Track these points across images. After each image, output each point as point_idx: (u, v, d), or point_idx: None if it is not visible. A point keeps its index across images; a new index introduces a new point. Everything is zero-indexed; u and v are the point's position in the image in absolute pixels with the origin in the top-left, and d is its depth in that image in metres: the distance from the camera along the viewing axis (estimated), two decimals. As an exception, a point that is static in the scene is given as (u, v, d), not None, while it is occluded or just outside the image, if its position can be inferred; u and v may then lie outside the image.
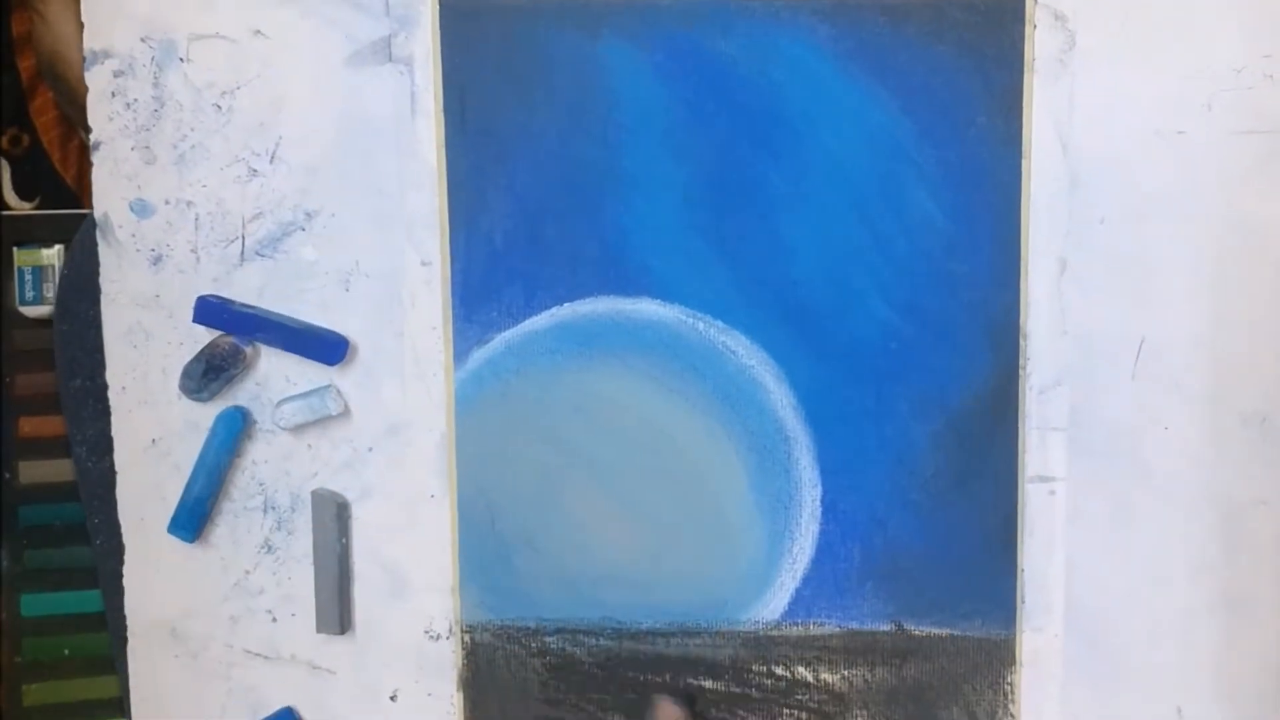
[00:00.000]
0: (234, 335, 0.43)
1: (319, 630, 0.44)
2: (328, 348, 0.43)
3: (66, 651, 0.73)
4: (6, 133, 0.86)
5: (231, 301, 0.43)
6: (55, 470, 0.82)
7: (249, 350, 0.44)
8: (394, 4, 0.43)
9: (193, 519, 0.44)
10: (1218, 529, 0.44)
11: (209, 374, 0.43)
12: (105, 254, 0.44)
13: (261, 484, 0.45)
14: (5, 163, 0.86)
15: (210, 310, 0.43)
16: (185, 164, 0.43)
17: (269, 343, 0.43)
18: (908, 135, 0.43)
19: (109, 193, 0.44)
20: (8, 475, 0.83)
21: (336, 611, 0.44)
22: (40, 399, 0.83)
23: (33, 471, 0.82)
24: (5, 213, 0.84)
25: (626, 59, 0.43)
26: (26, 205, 0.87)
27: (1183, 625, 0.45)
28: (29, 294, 0.85)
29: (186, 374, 0.43)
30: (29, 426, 0.83)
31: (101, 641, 0.79)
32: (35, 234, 0.84)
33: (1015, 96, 0.43)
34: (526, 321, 0.44)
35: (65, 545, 0.80)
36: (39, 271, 0.86)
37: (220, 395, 0.44)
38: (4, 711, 0.73)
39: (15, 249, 0.84)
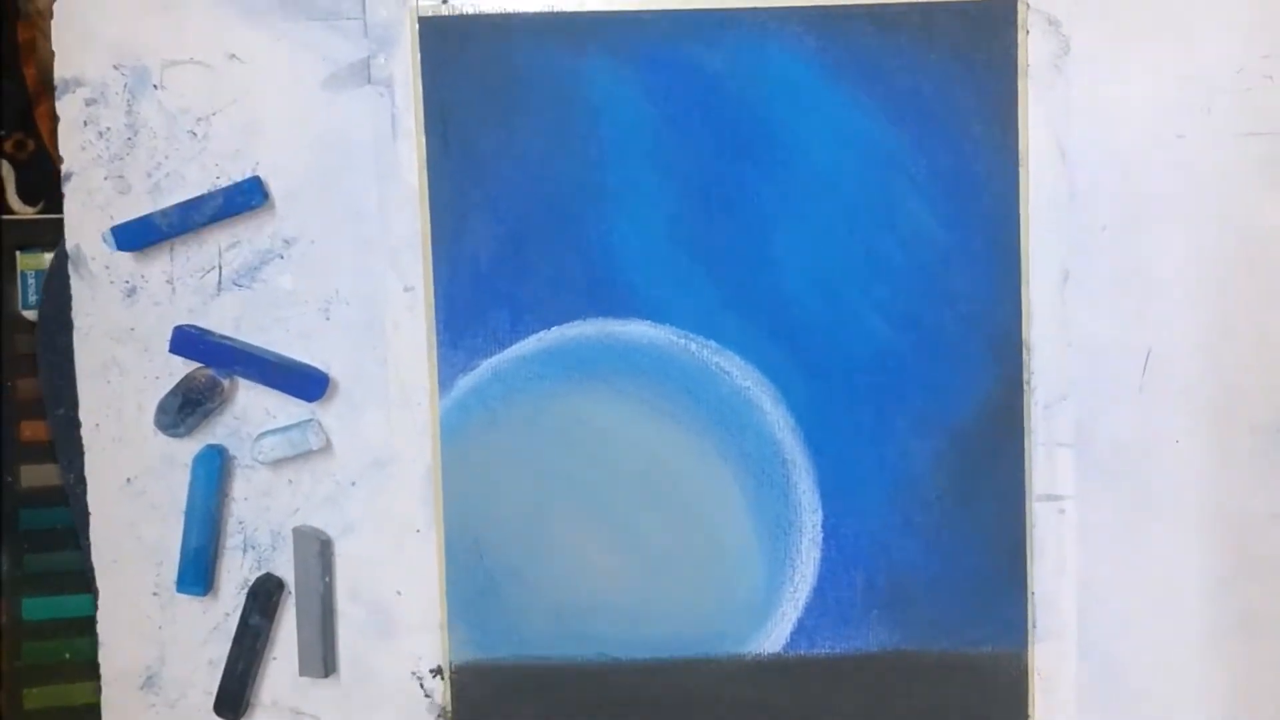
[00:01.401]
0: (212, 368, 0.41)
1: (301, 674, 0.43)
2: (308, 384, 0.42)
3: (67, 655, 0.71)
4: (11, 138, 0.85)
5: (209, 332, 0.42)
6: (56, 474, 0.81)
7: (226, 384, 0.42)
8: (372, 25, 0.42)
9: (199, 572, 0.43)
10: (1230, 544, 0.43)
11: (185, 408, 0.41)
12: (78, 287, 0.43)
13: (241, 522, 0.43)
14: (10, 167, 0.85)
15: (188, 341, 0.42)
16: (160, 192, 0.42)
17: (248, 376, 0.42)
18: (901, 146, 0.42)
19: (81, 224, 0.42)
20: (9, 479, 0.81)
21: (320, 653, 0.42)
22: (42, 403, 0.82)
23: (34, 475, 0.81)
24: (8, 217, 0.84)
25: (611, 74, 0.42)
26: (30, 210, 0.87)
27: (1197, 643, 0.43)
28: (31, 298, 0.85)
29: (162, 409, 0.42)
30: (30, 430, 0.82)
31: (102, 646, 0.78)
32: (38, 239, 0.84)
33: (1010, 104, 0.42)
34: (513, 347, 0.43)
35: (66, 549, 0.79)
36: (42, 276, 0.85)
37: (197, 430, 0.43)
38: (5, 715, 0.71)
39: (18, 253, 0.83)
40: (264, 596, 0.42)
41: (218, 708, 0.43)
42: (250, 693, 0.43)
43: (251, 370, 0.42)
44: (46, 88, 0.80)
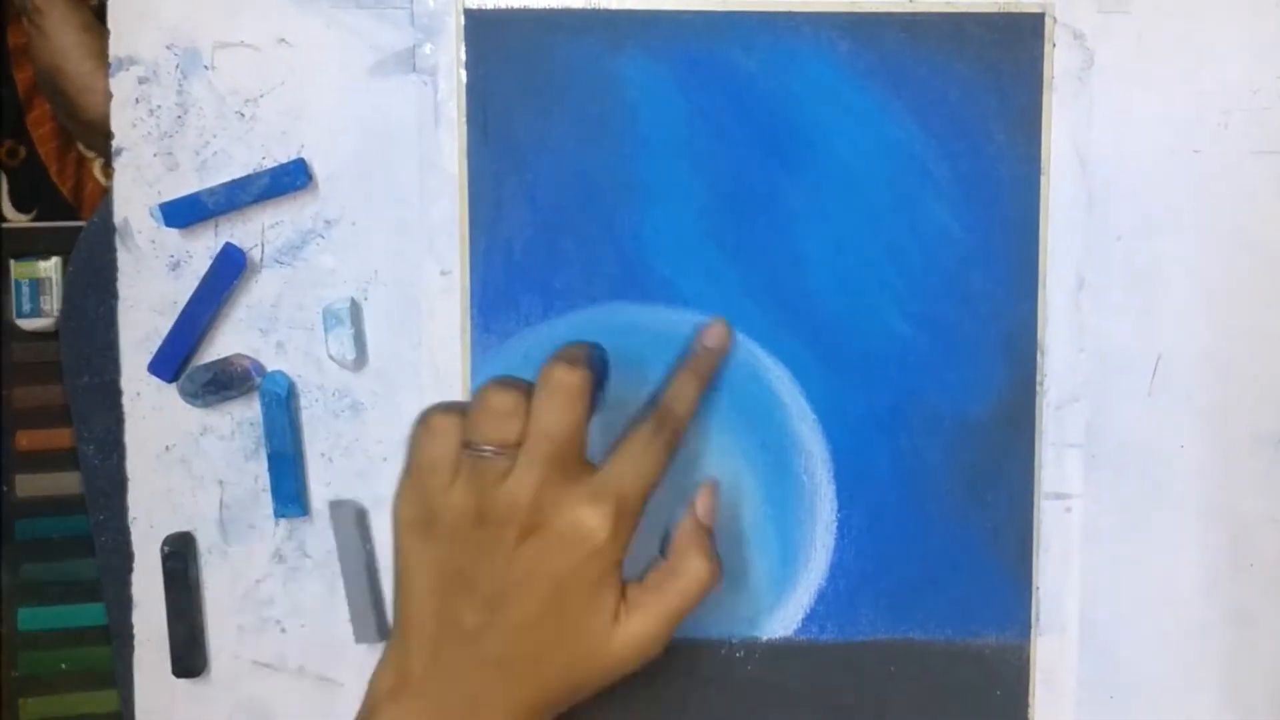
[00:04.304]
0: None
1: (358, 641, 0.44)
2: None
3: (64, 665, 0.72)
4: (4, 145, 0.86)
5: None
6: (53, 484, 0.82)
7: (257, 380, 0.44)
8: (419, 15, 0.43)
9: (294, 494, 0.44)
10: (1230, 546, 0.45)
11: (211, 385, 0.43)
12: (124, 259, 0.44)
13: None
14: (2, 175, 0.86)
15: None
16: (207, 170, 0.44)
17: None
18: (926, 150, 0.43)
19: (130, 198, 0.44)
20: (5, 489, 0.82)
21: (373, 619, 0.44)
22: (38, 412, 0.83)
23: (30, 485, 0.82)
24: (2, 225, 0.84)
25: (647, 71, 0.43)
26: (24, 218, 0.87)
27: (1196, 641, 0.45)
28: (26, 307, 0.85)
29: (190, 377, 0.43)
30: (26, 440, 0.82)
31: (99, 655, 0.78)
32: (32, 247, 0.84)
33: (1034, 114, 0.43)
34: (544, 331, 0.44)
35: (63, 559, 0.80)
36: (36, 284, 0.85)
37: (213, 405, 0.44)
38: (1, 725, 0.72)
39: (12, 262, 0.84)
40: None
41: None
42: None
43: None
44: (39, 93, 0.81)
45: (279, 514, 0.44)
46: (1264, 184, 0.44)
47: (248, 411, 0.44)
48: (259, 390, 0.44)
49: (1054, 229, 0.44)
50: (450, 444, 0.37)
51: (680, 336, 0.44)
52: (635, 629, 0.38)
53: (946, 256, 0.44)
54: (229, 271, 0.43)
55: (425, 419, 0.38)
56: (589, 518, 0.36)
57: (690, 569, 0.39)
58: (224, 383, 0.43)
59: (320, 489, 0.45)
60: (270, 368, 0.44)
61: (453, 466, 0.37)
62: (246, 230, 0.44)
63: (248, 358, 0.44)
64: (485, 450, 0.37)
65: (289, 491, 0.44)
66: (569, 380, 0.37)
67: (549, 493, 0.37)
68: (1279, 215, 0.44)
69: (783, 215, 0.44)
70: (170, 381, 0.44)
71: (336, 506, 0.44)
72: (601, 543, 0.36)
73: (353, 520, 0.44)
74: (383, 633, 0.44)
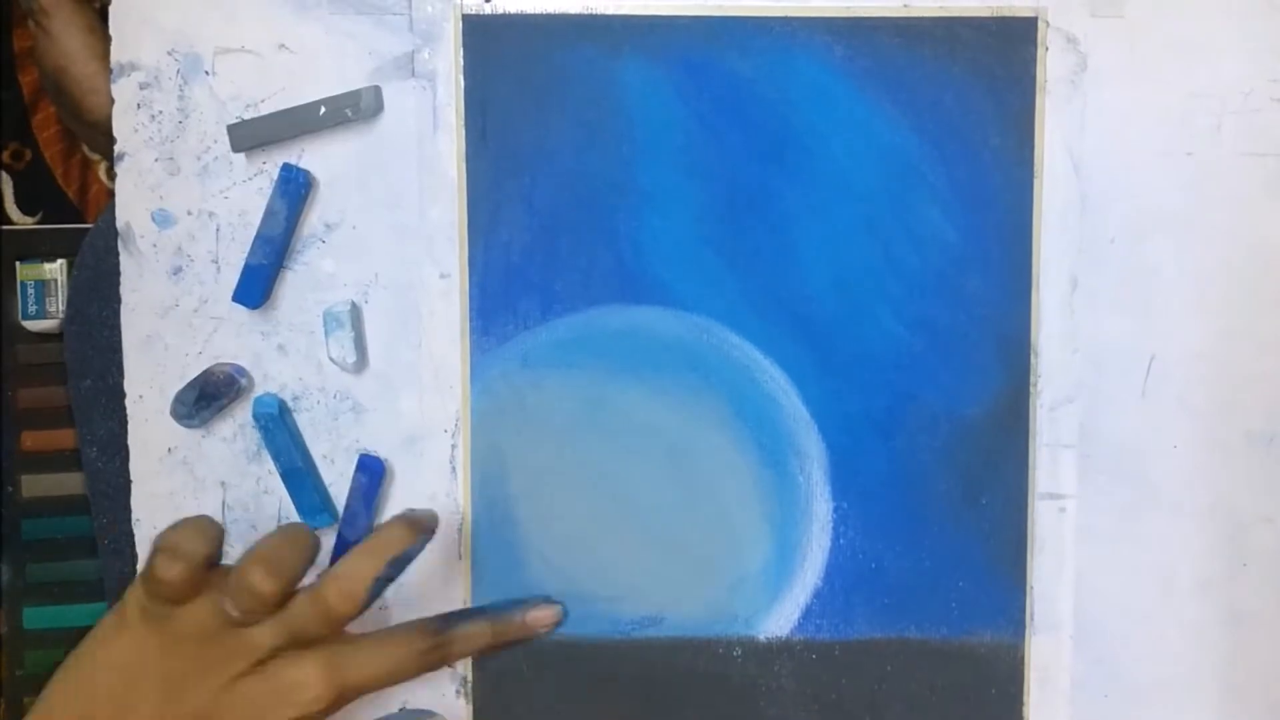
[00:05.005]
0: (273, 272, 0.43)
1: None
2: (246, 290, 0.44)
3: None
4: (9, 148, 0.86)
5: (257, 267, 0.43)
6: (57, 484, 0.82)
7: (243, 381, 0.44)
8: (418, 21, 0.44)
9: (320, 502, 0.44)
10: (1224, 545, 0.45)
11: (201, 401, 0.43)
12: (126, 263, 0.44)
13: (275, 495, 0.45)
14: (7, 178, 0.86)
15: (250, 290, 0.44)
16: (208, 175, 0.44)
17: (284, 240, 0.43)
18: (921, 154, 0.44)
19: (132, 203, 0.44)
20: (10, 489, 0.82)
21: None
22: (43, 413, 0.83)
23: (35, 485, 0.82)
24: (7, 227, 0.85)
25: (644, 76, 0.44)
26: (29, 220, 0.88)
27: (1190, 640, 0.45)
28: (31, 308, 0.85)
29: (179, 399, 0.43)
30: (31, 441, 0.83)
31: (104, 656, 0.78)
32: (38, 249, 0.84)
33: (1027, 117, 0.44)
34: (542, 335, 0.45)
35: (67, 559, 0.80)
36: (41, 286, 0.86)
37: (210, 423, 0.44)
38: (5, 725, 0.73)
39: (18, 264, 0.84)
40: None
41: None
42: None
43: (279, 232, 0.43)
44: (44, 95, 0.81)
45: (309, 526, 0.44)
46: (1256, 186, 0.44)
47: (248, 414, 0.45)
48: (252, 416, 0.44)
49: (1047, 231, 0.44)
50: (174, 590, 0.37)
51: (677, 339, 0.44)
52: None
53: (941, 259, 0.44)
54: (294, 192, 0.43)
55: (168, 545, 0.37)
56: (308, 682, 0.36)
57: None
58: (212, 394, 0.43)
59: (321, 490, 0.45)
60: (271, 371, 0.45)
61: (195, 589, 0.37)
62: (247, 235, 0.44)
63: (227, 364, 0.44)
64: (232, 611, 0.37)
65: (312, 504, 0.44)
66: (360, 581, 0.37)
67: (286, 646, 0.37)
68: (1271, 217, 0.44)
69: (778, 218, 0.44)
70: (256, 307, 0.44)
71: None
72: (306, 705, 0.36)
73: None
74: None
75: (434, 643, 0.39)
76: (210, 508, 0.45)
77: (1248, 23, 0.44)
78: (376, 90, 0.43)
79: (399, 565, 0.39)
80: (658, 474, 0.45)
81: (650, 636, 0.45)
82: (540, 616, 0.43)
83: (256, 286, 0.43)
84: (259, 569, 0.37)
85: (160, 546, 0.37)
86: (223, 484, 0.45)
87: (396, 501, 0.45)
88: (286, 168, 0.43)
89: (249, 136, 0.43)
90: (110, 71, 0.44)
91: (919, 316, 0.44)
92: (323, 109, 0.42)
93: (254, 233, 0.44)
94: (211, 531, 0.38)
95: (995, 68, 0.43)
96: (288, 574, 0.37)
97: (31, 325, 0.85)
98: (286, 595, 0.37)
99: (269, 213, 0.43)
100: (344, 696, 0.37)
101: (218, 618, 0.37)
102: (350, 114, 0.42)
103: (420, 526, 0.40)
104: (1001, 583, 0.45)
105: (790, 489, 0.45)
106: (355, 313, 0.44)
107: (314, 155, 0.44)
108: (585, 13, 0.44)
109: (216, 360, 0.44)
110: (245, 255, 0.44)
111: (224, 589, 0.37)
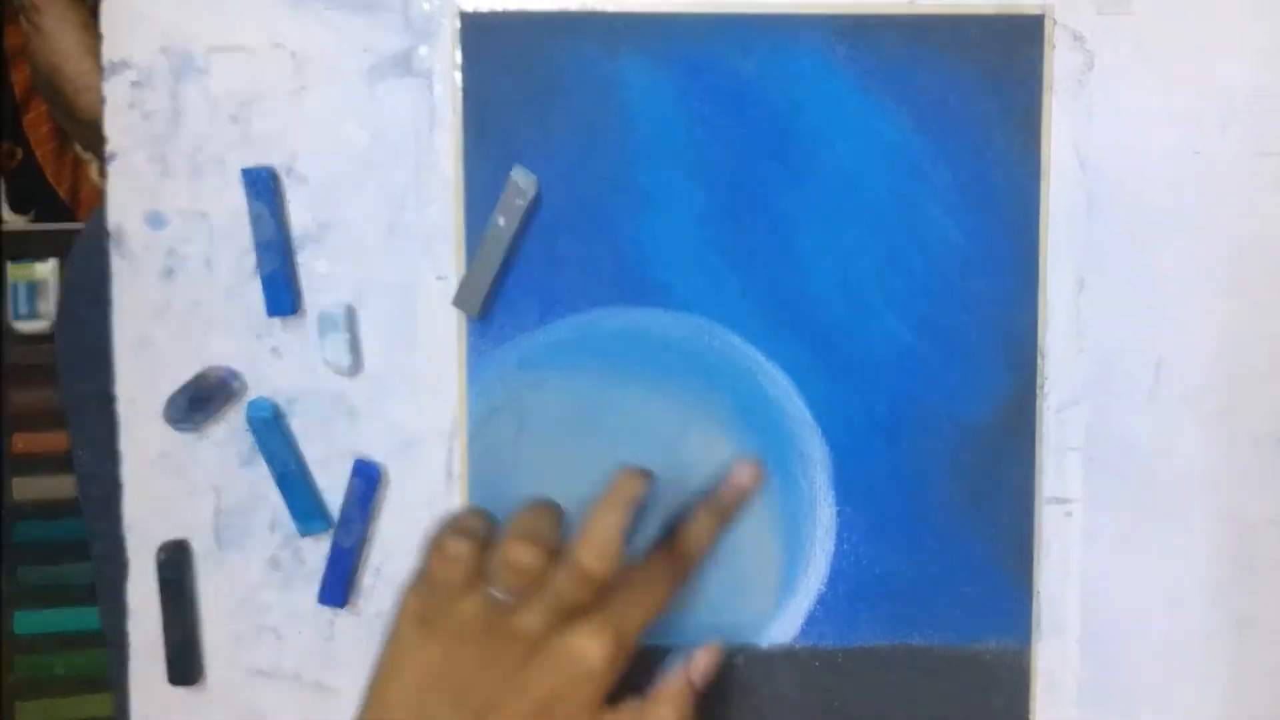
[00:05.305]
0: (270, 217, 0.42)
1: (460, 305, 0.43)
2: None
3: (59, 669, 0.72)
4: (1, 147, 0.85)
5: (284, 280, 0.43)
6: (49, 487, 0.82)
7: (236, 385, 0.43)
8: (415, 18, 0.43)
9: (314, 508, 0.44)
10: (1232, 549, 0.44)
11: (194, 405, 0.42)
12: (118, 265, 0.44)
13: (268, 499, 0.44)
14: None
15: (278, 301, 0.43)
16: (201, 175, 0.43)
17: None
18: (926, 154, 0.43)
19: (123, 204, 0.43)
20: (1, 492, 0.82)
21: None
22: (34, 415, 0.82)
23: (26, 488, 0.81)
24: (2, 228, 0.84)
25: (645, 75, 0.43)
26: (21, 219, 0.87)
27: (1197, 645, 0.45)
28: (23, 309, 0.85)
29: (172, 403, 0.43)
30: (22, 443, 0.82)
31: (94, 659, 0.78)
32: (29, 249, 0.84)
33: (1034, 116, 0.43)
34: (540, 336, 0.44)
35: (59, 562, 0.79)
36: (33, 287, 0.85)
37: (203, 426, 0.44)
38: (-4, 729, 0.72)
39: (9, 264, 0.84)
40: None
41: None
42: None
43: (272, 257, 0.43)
44: (36, 94, 0.80)
45: (304, 532, 0.44)
46: (1264, 185, 0.43)
47: (241, 418, 0.44)
48: (246, 419, 0.43)
49: (1054, 231, 0.43)
50: (463, 569, 0.38)
51: (678, 341, 0.44)
52: None
53: (946, 260, 0.44)
54: (264, 191, 0.42)
55: (441, 544, 0.39)
56: (590, 649, 0.37)
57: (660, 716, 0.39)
58: (205, 398, 0.43)
59: (316, 495, 0.44)
60: (265, 374, 0.44)
61: (466, 583, 0.38)
62: (240, 235, 0.43)
63: (221, 368, 0.43)
64: (501, 595, 0.38)
65: (306, 509, 0.44)
66: (612, 539, 0.38)
67: (557, 623, 0.38)
68: (1278, 216, 0.43)
69: (781, 218, 0.44)
70: (293, 312, 0.43)
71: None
72: (596, 671, 0.37)
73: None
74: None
75: (671, 556, 0.40)
76: (203, 512, 0.44)
77: (1256, 21, 0.43)
78: (523, 171, 0.42)
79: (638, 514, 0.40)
80: (659, 477, 0.44)
81: (651, 643, 0.45)
82: (745, 472, 0.43)
83: (282, 292, 0.43)
84: (519, 544, 0.38)
85: (446, 530, 0.39)
86: (216, 488, 0.44)
87: (392, 507, 0.44)
88: (246, 172, 0.42)
89: (472, 295, 0.43)
90: (103, 69, 0.43)
91: (924, 318, 0.44)
92: (501, 219, 0.42)
93: (248, 235, 0.43)
94: (486, 514, 0.40)
95: (1001, 66, 0.43)
96: (546, 542, 0.38)
97: (23, 326, 0.85)
98: (545, 568, 0.38)
99: (254, 219, 0.43)
100: (625, 649, 0.38)
101: (489, 609, 0.38)
102: (521, 202, 0.42)
103: (647, 475, 0.40)
104: (1007, 588, 0.44)
105: (793, 493, 0.44)
106: (350, 315, 0.43)
107: (308, 154, 0.43)
108: (585, 10, 0.43)
109: (209, 363, 0.44)
110: (247, 265, 0.43)
111: (490, 576, 0.38)
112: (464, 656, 0.38)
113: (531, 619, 0.38)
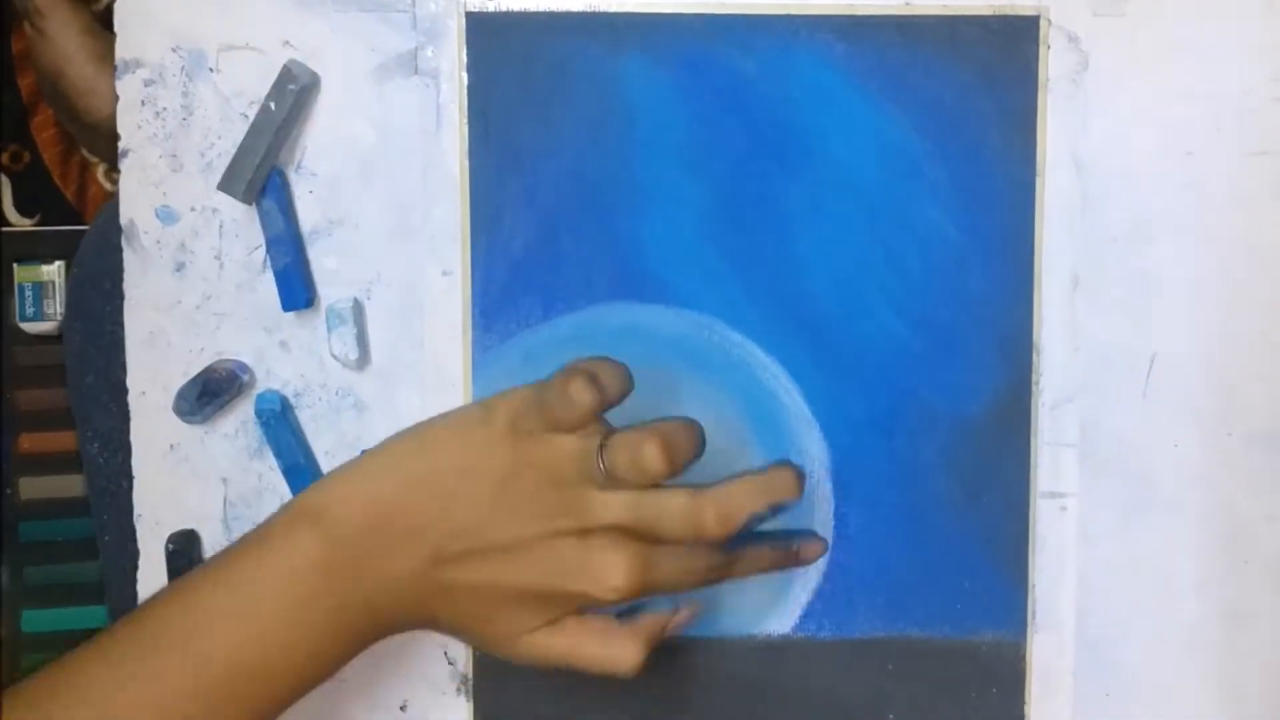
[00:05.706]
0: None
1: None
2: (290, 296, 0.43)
3: None
4: (7, 150, 0.86)
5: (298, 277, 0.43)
6: (56, 486, 0.82)
7: (245, 377, 0.44)
8: (421, 18, 0.44)
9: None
10: (1225, 544, 0.45)
11: (204, 397, 0.43)
12: (129, 259, 0.44)
13: (276, 491, 0.45)
14: (6, 179, 0.86)
15: (292, 295, 0.44)
16: (212, 172, 0.44)
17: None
18: (922, 152, 0.44)
19: (135, 199, 0.44)
20: (8, 491, 0.82)
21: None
22: (41, 415, 0.83)
23: (33, 487, 0.82)
24: (6, 229, 0.85)
25: (647, 74, 0.44)
26: (27, 222, 0.88)
27: (1191, 639, 0.45)
28: (29, 310, 0.85)
29: (181, 396, 0.43)
30: (29, 442, 0.83)
31: (102, 657, 0.78)
32: (36, 250, 0.85)
33: (1029, 116, 0.44)
34: (544, 332, 0.45)
35: (66, 561, 0.80)
36: (39, 288, 0.86)
37: (212, 419, 0.44)
38: (2, 728, 0.72)
39: (15, 265, 0.84)
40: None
41: None
42: None
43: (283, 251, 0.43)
44: (42, 98, 0.81)
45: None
46: (1257, 185, 0.44)
47: (250, 410, 0.45)
48: (255, 412, 0.44)
49: (1049, 230, 0.44)
50: (579, 415, 0.36)
51: (679, 337, 0.45)
52: (540, 648, 0.38)
53: (942, 258, 0.44)
54: (273, 188, 0.43)
55: (592, 371, 0.37)
56: (620, 575, 0.36)
57: (621, 653, 0.38)
58: (214, 391, 0.43)
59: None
60: (274, 367, 0.45)
61: (577, 426, 0.37)
62: (251, 231, 0.44)
63: (230, 360, 0.44)
64: (602, 468, 0.37)
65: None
66: (740, 517, 0.38)
67: (617, 529, 0.37)
68: (1272, 216, 0.44)
69: (780, 216, 0.44)
70: (308, 305, 0.44)
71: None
72: (607, 598, 0.37)
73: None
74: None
75: (724, 559, 0.39)
76: (212, 504, 0.45)
77: (1249, 22, 0.44)
78: (294, 62, 0.42)
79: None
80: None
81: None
82: (812, 549, 0.44)
83: (296, 287, 0.43)
84: (655, 447, 0.36)
85: (582, 369, 0.36)
86: (224, 480, 0.45)
87: (398, 498, 0.45)
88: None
89: (237, 178, 0.42)
90: (107, 72, 0.44)
91: (920, 315, 0.44)
92: (272, 104, 0.42)
93: (257, 231, 0.44)
94: (628, 381, 0.38)
95: (997, 66, 0.44)
96: (678, 461, 0.37)
97: (29, 327, 0.85)
98: (662, 479, 0.37)
99: (264, 215, 0.43)
100: (637, 595, 0.37)
101: (579, 464, 0.37)
102: (293, 88, 0.42)
103: (801, 485, 0.40)
104: (1003, 581, 0.45)
105: (792, 487, 0.45)
106: (358, 309, 0.44)
107: (316, 152, 0.44)
108: (588, 10, 0.44)
109: (219, 357, 0.45)
110: (256, 260, 0.44)
111: (607, 446, 0.36)
112: (528, 481, 0.36)
113: (610, 505, 0.36)
